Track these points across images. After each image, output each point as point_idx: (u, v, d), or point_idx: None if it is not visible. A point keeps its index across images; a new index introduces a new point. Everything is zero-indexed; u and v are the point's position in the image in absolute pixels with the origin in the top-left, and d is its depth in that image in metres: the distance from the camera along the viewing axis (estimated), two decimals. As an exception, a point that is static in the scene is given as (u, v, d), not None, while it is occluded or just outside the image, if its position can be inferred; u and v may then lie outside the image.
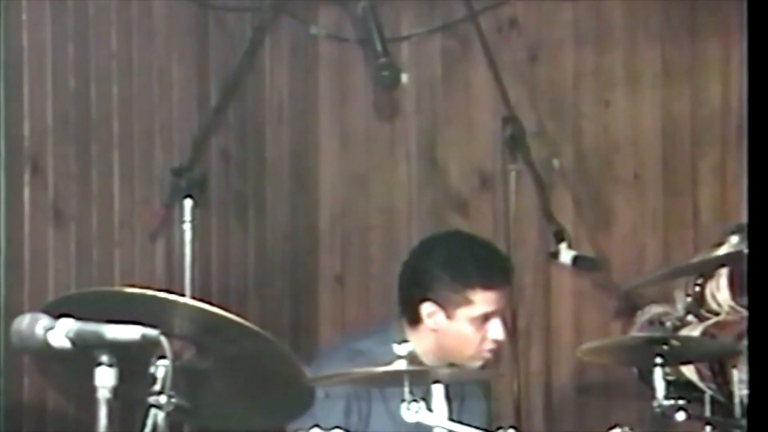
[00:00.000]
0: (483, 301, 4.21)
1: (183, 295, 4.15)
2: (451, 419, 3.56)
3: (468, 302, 4.19)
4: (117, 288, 3.75)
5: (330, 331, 5.46)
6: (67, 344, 2.77)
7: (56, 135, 4.63)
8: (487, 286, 4.22)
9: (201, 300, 3.41)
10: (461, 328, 4.20)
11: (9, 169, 4.49)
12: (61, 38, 4.64)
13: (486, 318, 4.21)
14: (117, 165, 4.84)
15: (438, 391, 3.61)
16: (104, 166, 4.80)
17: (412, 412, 3.55)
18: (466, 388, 4.21)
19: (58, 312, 2.82)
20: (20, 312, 2.96)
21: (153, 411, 2.97)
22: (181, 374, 3.06)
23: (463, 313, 4.18)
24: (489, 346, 4.22)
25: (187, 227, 4.49)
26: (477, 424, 3.58)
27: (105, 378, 2.74)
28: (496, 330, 4.19)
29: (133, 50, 4.89)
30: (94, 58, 4.76)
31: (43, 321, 2.80)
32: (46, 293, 4.45)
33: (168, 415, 3.00)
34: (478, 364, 4.20)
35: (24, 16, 4.51)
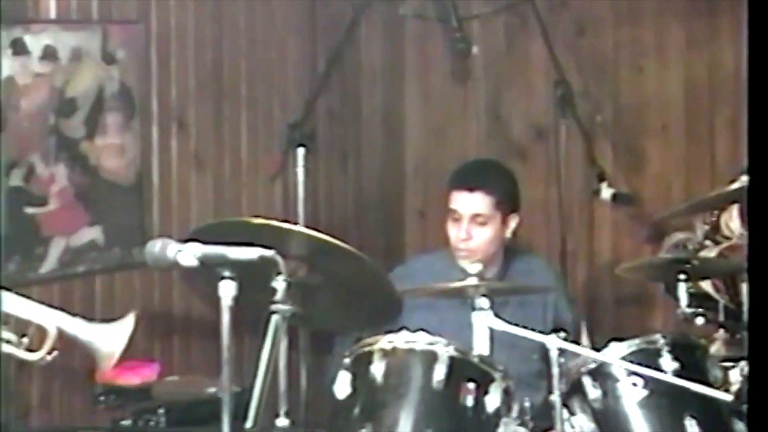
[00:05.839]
0: (452, 201, 4.14)
1: (297, 224, 4.17)
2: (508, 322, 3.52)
3: (448, 202, 4.15)
4: (245, 218, 3.77)
5: (414, 255, 5.47)
6: (195, 263, 2.76)
7: (197, 97, 4.67)
8: (453, 188, 4.15)
9: (312, 228, 3.43)
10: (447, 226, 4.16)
11: (160, 124, 4.54)
12: (200, 19, 4.66)
13: (456, 219, 4.13)
14: (244, 121, 4.87)
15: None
16: (234, 122, 4.84)
17: (482, 318, 3.53)
18: (526, 297, 4.11)
19: (202, 238, 2.82)
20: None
21: (274, 317, 2.98)
22: (296, 288, 3.08)
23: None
24: (458, 245, 4.14)
25: (300, 171, 4.51)
26: (533, 327, 3.54)
27: (227, 289, 2.73)
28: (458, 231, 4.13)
29: (257, 29, 4.91)
30: (226, 35, 4.78)
31: (173, 245, 2.79)
32: (189, 223, 4.50)
33: (286, 320, 3.02)
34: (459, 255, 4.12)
35: (171, 2, 4.54)
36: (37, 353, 2.51)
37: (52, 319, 2.52)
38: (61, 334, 2.55)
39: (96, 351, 2.54)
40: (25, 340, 2.50)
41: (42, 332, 2.50)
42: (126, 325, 2.63)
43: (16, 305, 2.50)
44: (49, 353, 2.51)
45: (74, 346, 2.46)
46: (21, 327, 2.53)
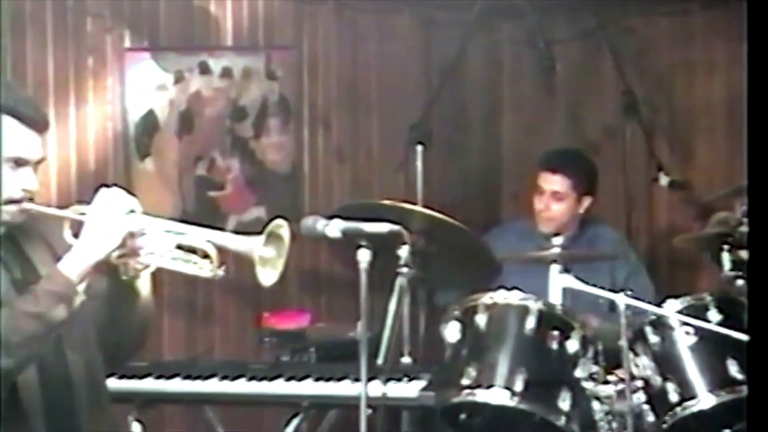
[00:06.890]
0: (539, 178, 4.10)
1: (417, 205, 4.17)
2: (578, 279, 3.48)
3: (537, 179, 4.12)
4: (377, 201, 3.78)
5: (508, 220, 5.42)
6: (338, 235, 2.77)
7: (338, 105, 4.71)
8: (540, 168, 4.12)
9: (428, 208, 3.43)
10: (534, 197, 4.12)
11: (310, 126, 4.59)
12: (341, 44, 4.70)
13: (540, 193, 4.09)
14: (375, 123, 4.90)
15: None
16: (367, 124, 4.86)
17: (560, 278, 3.51)
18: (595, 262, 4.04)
19: (344, 215, 2.84)
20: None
21: (399, 278, 2.98)
22: (417, 255, 3.06)
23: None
24: (539, 213, 4.11)
25: (419, 163, 4.50)
26: (602, 284, 3.49)
27: (364, 256, 2.74)
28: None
29: (385, 51, 4.92)
30: (361, 56, 4.81)
31: (322, 221, 2.80)
32: (332, 204, 4.53)
33: (409, 280, 3.01)
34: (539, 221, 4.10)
35: (319, 31, 4.57)
36: (209, 271, 2.36)
37: (204, 236, 2.34)
38: (225, 252, 2.31)
39: (255, 259, 2.32)
40: (208, 260, 2.33)
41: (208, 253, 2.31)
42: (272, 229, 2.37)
43: (173, 231, 2.32)
44: (219, 267, 2.36)
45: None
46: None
